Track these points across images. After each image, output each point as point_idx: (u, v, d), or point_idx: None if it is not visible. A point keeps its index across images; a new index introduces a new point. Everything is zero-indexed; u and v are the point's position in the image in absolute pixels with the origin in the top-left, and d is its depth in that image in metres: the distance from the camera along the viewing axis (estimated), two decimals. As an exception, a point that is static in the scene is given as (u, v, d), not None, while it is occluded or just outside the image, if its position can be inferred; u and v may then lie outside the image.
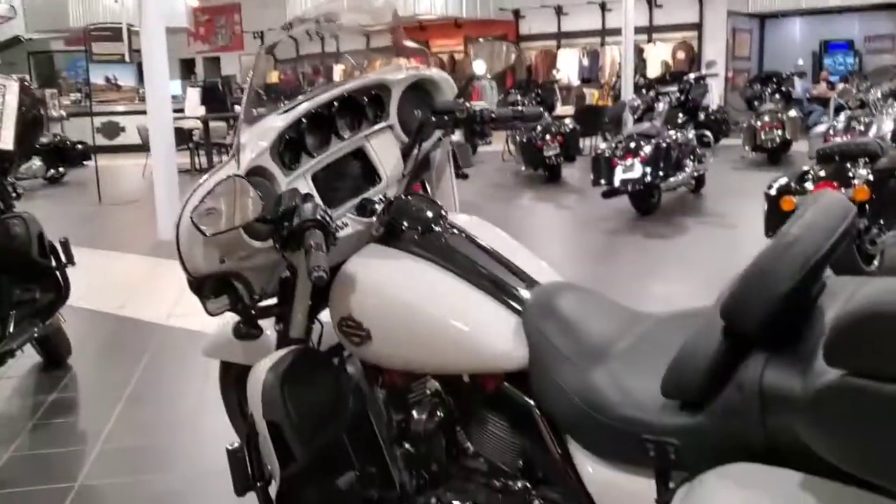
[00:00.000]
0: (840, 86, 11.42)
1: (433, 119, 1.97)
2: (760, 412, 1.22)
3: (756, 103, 11.07)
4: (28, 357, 3.88)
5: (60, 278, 3.57)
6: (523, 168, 10.30)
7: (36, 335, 3.50)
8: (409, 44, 2.22)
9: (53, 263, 3.56)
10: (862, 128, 6.41)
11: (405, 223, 1.82)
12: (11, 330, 3.37)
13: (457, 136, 8.05)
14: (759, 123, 10.24)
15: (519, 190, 9.60)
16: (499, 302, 1.68)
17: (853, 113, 6.95)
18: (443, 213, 1.86)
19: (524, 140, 9.78)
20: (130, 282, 5.64)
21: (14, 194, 3.67)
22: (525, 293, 1.69)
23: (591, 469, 1.50)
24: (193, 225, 1.56)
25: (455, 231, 1.82)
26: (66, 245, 3.62)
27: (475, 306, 1.68)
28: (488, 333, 1.64)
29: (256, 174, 1.74)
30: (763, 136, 10.21)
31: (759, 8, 16.28)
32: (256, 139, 1.77)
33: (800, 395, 1.12)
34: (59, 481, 2.78)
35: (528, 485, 1.69)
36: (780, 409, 1.18)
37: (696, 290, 4.63)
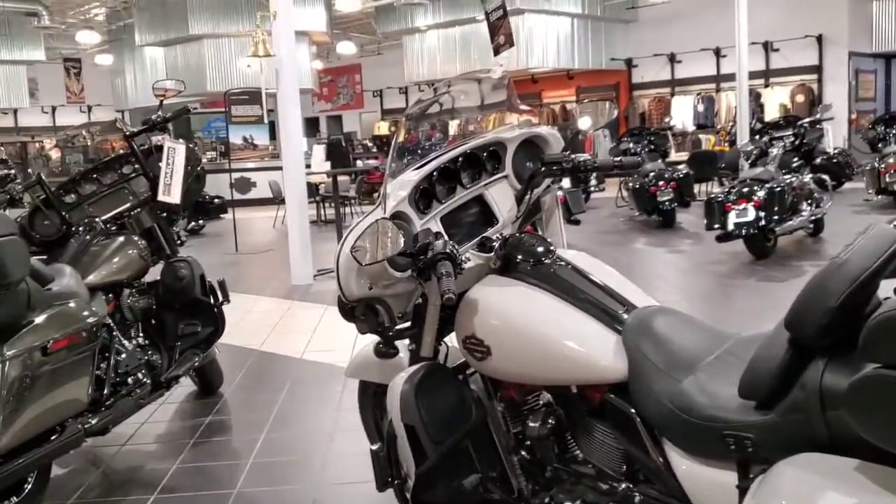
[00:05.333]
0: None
1: (542, 169, 2.30)
2: (821, 408, 1.44)
3: (880, 145, 10.78)
4: (184, 386, 4.39)
5: (218, 314, 4.01)
6: (637, 213, 10.41)
7: (196, 364, 3.91)
8: (521, 106, 2.56)
9: (212, 301, 4.03)
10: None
11: (519, 257, 2.13)
12: (177, 359, 3.86)
13: (568, 183, 8.32)
14: (882, 165, 9.96)
15: (632, 235, 9.71)
16: (602, 323, 1.95)
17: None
18: (551, 248, 2.16)
19: (637, 186, 9.92)
20: (269, 322, 6.13)
21: (179, 241, 4.21)
22: (624, 315, 1.96)
23: (684, 466, 1.74)
24: (352, 257, 1.94)
25: (562, 263, 2.11)
26: (223, 285, 4.06)
27: (581, 326, 1.96)
28: (593, 349, 1.91)
29: (398, 217, 2.11)
30: (888, 179, 9.91)
31: (883, 47, 15.86)
32: (398, 190, 2.15)
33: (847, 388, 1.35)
34: (219, 488, 3.20)
35: (630, 485, 1.93)
36: (837, 404, 1.41)
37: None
